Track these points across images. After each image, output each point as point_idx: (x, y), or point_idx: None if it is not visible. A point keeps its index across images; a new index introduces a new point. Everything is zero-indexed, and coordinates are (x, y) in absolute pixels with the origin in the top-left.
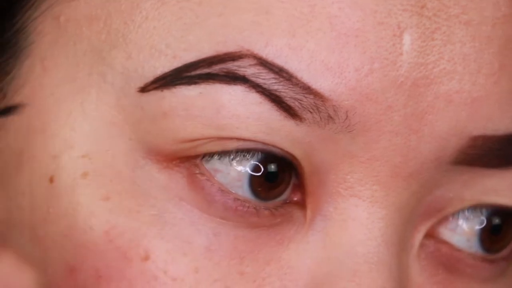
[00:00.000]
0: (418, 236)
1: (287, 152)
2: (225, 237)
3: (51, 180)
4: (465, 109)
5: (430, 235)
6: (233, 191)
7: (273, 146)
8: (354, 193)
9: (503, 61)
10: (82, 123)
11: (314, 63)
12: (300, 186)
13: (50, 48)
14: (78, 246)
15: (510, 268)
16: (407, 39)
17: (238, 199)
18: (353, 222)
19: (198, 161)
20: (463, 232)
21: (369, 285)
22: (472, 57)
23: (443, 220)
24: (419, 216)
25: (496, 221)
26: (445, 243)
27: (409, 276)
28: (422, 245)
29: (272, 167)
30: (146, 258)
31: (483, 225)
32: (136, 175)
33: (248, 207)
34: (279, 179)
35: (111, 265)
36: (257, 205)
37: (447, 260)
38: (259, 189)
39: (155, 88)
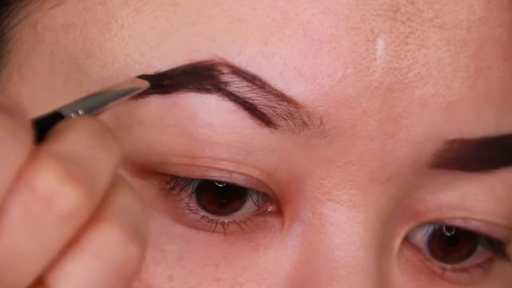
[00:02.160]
0: (398, 240)
1: (250, 176)
2: (198, 244)
3: None
4: (440, 113)
5: (407, 240)
6: (201, 209)
7: (238, 173)
8: (332, 198)
9: (479, 64)
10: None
11: (287, 70)
12: (274, 198)
13: (28, 56)
14: None
15: (495, 270)
16: (380, 44)
17: (206, 217)
18: (331, 226)
19: (168, 178)
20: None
21: None
22: (447, 61)
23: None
24: (398, 219)
25: (450, 233)
26: (418, 249)
27: (390, 279)
28: (401, 249)
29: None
30: None
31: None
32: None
33: (216, 223)
34: (232, 193)
35: None
36: (223, 221)
37: (424, 266)
38: (209, 204)
39: (130, 97)
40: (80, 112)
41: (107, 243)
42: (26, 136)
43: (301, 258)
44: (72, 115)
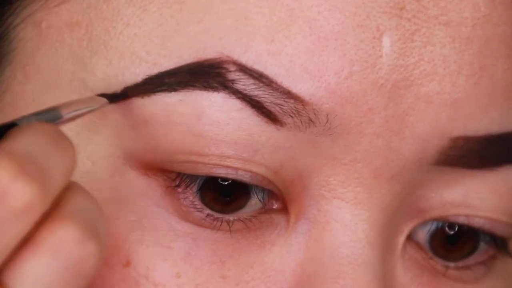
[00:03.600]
0: (401, 237)
1: (255, 173)
2: (204, 241)
3: None
4: (445, 110)
5: (410, 237)
6: (206, 208)
7: (244, 171)
8: (337, 195)
9: (483, 62)
10: (63, 130)
11: (293, 68)
12: (279, 196)
13: (32, 55)
14: None
15: (498, 267)
16: (386, 41)
17: (211, 215)
18: (337, 224)
19: (174, 175)
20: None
21: (353, 286)
22: (452, 58)
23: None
24: (402, 217)
25: (452, 231)
26: (421, 247)
27: (394, 277)
28: (405, 247)
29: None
30: (127, 264)
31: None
32: (115, 181)
33: (222, 221)
34: (236, 191)
35: None
36: (228, 219)
37: (427, 264)
38: (213, 203)
39: (135, 95)
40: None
41: (63, 241)
42: None
43: (307, 256)
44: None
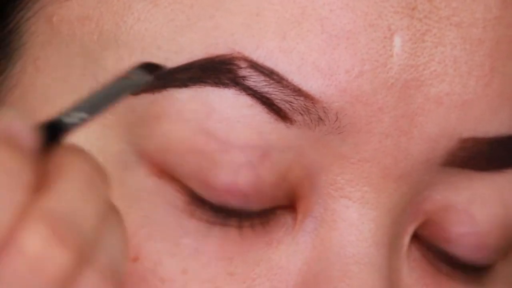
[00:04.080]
0: (407, 238)
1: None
2: (213, 238)
3: None
4: (455, 111)
5: (417, 236)
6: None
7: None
8: (345, 194)
9: (494, 63)
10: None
11: (304, 65)
12: (287, 194)
13: (43, 48)
14: None
15: (500, 268)
16: (397, 41)
17: (221, 212)
18: (344, 223)
19: (188, 198)
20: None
21: (359, 286)
22: (463, 59)
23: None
24: (408, 217)
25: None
26: (428, 247)
27: (399, 277)
28: (410, 247)
29: None
30: (135, 259)
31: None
32: (126, 177)
33: (231, 217)
34: None
35: None
36: (238, 219)
37: (432, 264)
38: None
39: (147, 91)
40: (83, 115)
41: None
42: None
43: (313, 254)
44: (75, 120)
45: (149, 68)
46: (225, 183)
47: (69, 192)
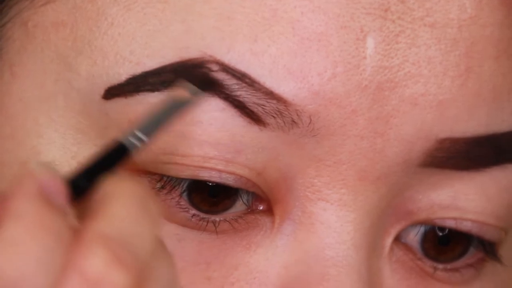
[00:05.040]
0: (388, 239)
1: (239, 175)
2: (189, 243)
3: None
4: (430, 112)
5: (398, 239)
6: (192, 208)
7: (228, 173)
8: (322, 197)
9: (469, 63)
10: (49, 130)
11: (276, 68)
12: (264, 197)
13: (19, 54)
14: None
15: (487, 270)
16: (370, 42)
17: (197, 215)
18: (322, 225)
19: (158, 177)
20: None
21: None
22: (437, 59)
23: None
24: (389, 219)
25: (443, 233)
26: (410, 249)
27: (381, 279)
28: (392, 249)
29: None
30: None
31: (425, 235)
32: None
33: (208, 221)
34: (222, 192)
35: None
36: (215, 220)
37: (415, 265)
38: (200, 203)
39: (119, 95)
40: (141, 137)
41: None
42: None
43: (292, 257)
44: (135, 141)
45: (203, 83)
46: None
47: (125, 216)
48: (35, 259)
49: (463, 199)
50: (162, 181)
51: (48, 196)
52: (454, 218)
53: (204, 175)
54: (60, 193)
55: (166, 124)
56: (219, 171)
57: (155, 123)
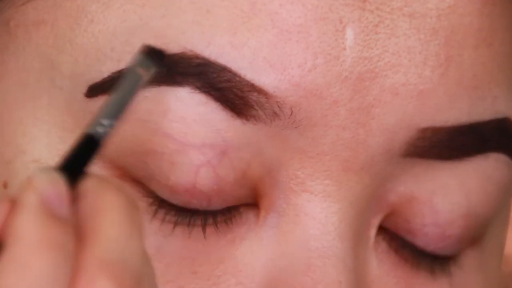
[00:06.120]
0: (373, 230)
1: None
2: (175, 238)
3: (5, 185)
4: (412, 101)
5: (383, 229)
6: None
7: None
8: (306, 188)
9: (450, 53)
10: (33, 129)
11: (256, 60)
12: (249, 192)
13: (1, 53)
14: None
15: (470, 259)
16: (350, 33)
17: (184, 210)
18: (306, 217)
19: (150, 199)
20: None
21: (324, 279)
22: (417, 49)
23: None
24: (372, 210)
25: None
26: (395, 239)
27: (367, 269)
28: (377, 239)
29: None
30: None
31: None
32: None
33: (193, 217)
34: None
35: None
36: (201, 218)
37: (400, 256)
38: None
39: (101, 93)
40: (106, 123)
41: None
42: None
43: (277, 249)
44: (100, 129)
45: (151, 54)
46: (186, 185)
47: (118, 235)
48: (45, 278)
49: (442, 194)
50: (155, 205)
51: (50, 207)
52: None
53: (194, 202)
54: (63, 201)
55: (128, 103)
56: (208, 196)
57: (117, 105)
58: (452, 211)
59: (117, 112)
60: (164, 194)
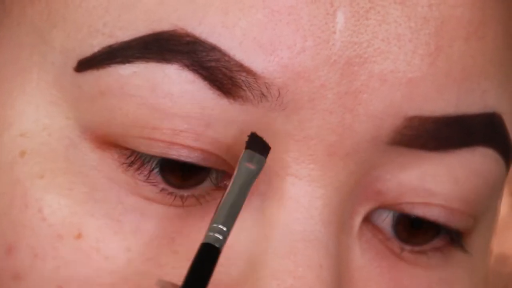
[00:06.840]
0: (358, 219)
1: (208, 152)
2: (154, 217)
3: None
4: (400, 89)
5: (367, 219)
6: (162, 182)
7: (197, 150)
8: (291, 172)
9: (440, 42)
10: (21, 102)
11: (246, 41)
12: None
13: None
14: (16, 225)
15: (457, 258)
16: (340, 17)
17: (166, 189)
18: (290, 200)
19: (128, 152)
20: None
21: (306, 263)
22: (407, 37)
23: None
24: (357, 197)
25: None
26: (379, 229)
27: (350, 257)
28: (362, 229)
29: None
30: (79, 236)
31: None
32: (69, 153)
33: (175, 196)
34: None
35: (45, 243)
36: (182, 195)
37: (384, 246)
38: (172, 178)
39: (91, 67)
40: (224, 228)
41: None
42: None
43: (260, 232)
44: (219, 236)
45: (255, 145)
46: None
47: None
48: None
49: (431, 181)
50: (132, 156)
51: None
52: (423, 203)
53: (173, 153)
54: None
55: (241, 205)
56: (189, 148)
57: (230, 210)
58: (445, 194)
59: (234, 215)
60: (144, 149)
